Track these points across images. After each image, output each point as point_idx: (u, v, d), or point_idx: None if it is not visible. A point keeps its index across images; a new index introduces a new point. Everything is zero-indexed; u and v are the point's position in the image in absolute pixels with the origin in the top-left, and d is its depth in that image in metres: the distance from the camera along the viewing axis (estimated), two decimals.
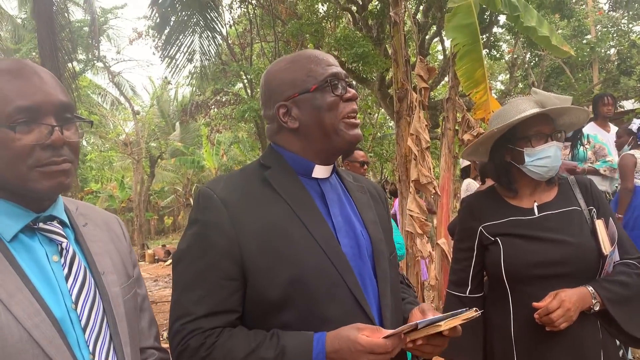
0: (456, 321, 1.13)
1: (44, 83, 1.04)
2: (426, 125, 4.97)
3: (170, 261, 16.26)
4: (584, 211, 1.83)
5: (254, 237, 1.21)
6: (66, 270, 1.04)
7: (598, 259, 1.76)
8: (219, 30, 7.57)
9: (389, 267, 1.36)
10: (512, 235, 1.82)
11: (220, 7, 7.39)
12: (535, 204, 1.86)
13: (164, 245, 18.49)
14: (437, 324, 1.12)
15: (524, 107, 1.82)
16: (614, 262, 1.79)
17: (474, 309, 1.15)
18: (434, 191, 4.93)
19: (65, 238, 1.07)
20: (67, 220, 1.12)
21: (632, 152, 4.43)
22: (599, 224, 1.78)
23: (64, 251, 1.06)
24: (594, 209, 1.84)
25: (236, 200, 1.24)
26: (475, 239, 1.90)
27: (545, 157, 1.79)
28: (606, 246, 1.75)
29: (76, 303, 1.03)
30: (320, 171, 1.34)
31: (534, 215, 1.84)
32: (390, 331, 1.15)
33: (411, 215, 4.86)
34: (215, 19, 7.36)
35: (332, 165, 1.38)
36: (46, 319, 0.97)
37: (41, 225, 1.05)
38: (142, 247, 18.44)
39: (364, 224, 1.36)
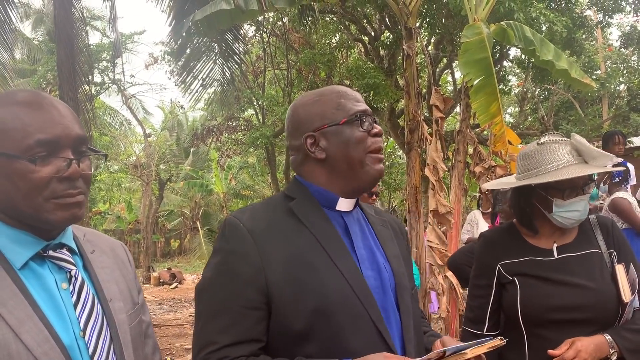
0: (482, 349, 1.15)
1: (63, 116, 1.07)
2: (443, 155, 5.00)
3: (175, 284, 16.18)
4: (604, 254, 1.79)
5: (279, 266, 1.21)
6: (75, 297, 1.06)
7: (617, 306, 1.71)
8: (238, 57, 7.66)
9: (411, 301, 1.36)
10: (530, 277, 1.78)
11: (241, 33, 7.48)
12: (555, 245, 1.82)
13: (169, 268, 18.40)
14: (463, 351, 1.13)
15: (562, 155, 1.75)
16: (634, 309, 1.75)
17: (499, 337, 1.18)
18: (453, 221, 4.91)
19: (74, 265, 1.09)
20: (75, 248, 1.14)
21: (620, 195, 4.45)
22: (620, 270, 1.74)
23: (73, 279, 1.07)
24: (615, 253, 1.79)
25: (262, 230, 1.25)
26: (494, 276, 1.86)
27: (574, 211, 1.75)
28: (626, 293, 1.70)
29: (84, 330, 1.04)
30: (343, 204, 1.35)
31: (553, 256, 1.80)
32: (422, 357, 1.15)
33: (430, 247, 4.80)
34: (233, 45, 7.45)
35: (356, 199, 1.39)
36: (55, 346, 0.98)
37: (51, 252, 1.07)
38: (148, 270, 18.36)
39: (386, 257, 1.37)
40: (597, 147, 5.09)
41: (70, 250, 1.12)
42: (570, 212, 1.75)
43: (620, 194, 4.46)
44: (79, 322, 1.04)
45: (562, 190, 1.75)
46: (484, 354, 1.18)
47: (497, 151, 4.91)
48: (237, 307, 1.20)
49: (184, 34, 5.80)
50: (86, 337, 1.04)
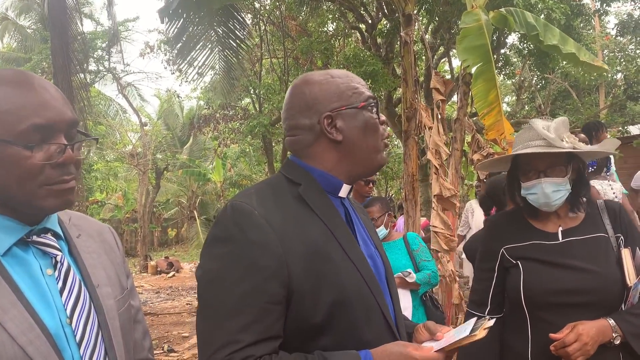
0: (484, 332, 1.19)
1: (55, 99, 1.03)
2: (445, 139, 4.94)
3: (173, 273, 16.20)
4: (611, 238, 1.78)
5: (299, 258, 1.14)
6: (60, 283, 1.03)
7: (622, 290, 1.70)
8: (236, 42, 7.52)
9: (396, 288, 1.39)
10: (533, 260, 1.79)
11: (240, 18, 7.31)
12: (560, 228, 1.82)
13: (166, 257, 18.42)
14: (472, 334, 1.17)
15: (525, 138, 1.82)
16: None
17: (487, 317, 1.24)
18: (458, 204, 4.86)
19: (60, 251, 1.05)
20: (60, 233, 1.10)
21: (591, 183, 4.41)
22: (625, 253, 1.73)
23: (58, 264, 1.04)
24: (622, 237, 1.79)
25: (278, 219, 1.17)
26: (497, 260, 1.88)
27: (532, 194, 1.78)
28: (631, 277, 1.69)
29: (71, 317, 1.01)
30: (345, 190, 1.32)
31: (558, 240, 1.80)
32: (435, 345, 1.18)
33: (435, 232, 4.73)
34: (232, 28, 7.32)
35: (351, 186, 1.36)
36: (40, 334, 0.95)
37: (35, 238, 1.03)
38: (145, 259, 18.38)
39: (374, 244, 1.38)
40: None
41: (55, 235, 1.08)
42: (530, 195, 1.79)
43: (594, 182, 4.43)
44: (65, 309, 1.01)
45: (522, 171, 1.82)
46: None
47: (493, 139, 4.88)
48: (261, 302, 1.11)
49: (171, 11, 5.67)
50: (73, 324, 1.01)
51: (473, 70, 4.68)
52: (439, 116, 4.98)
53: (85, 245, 1.15)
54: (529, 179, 1.79)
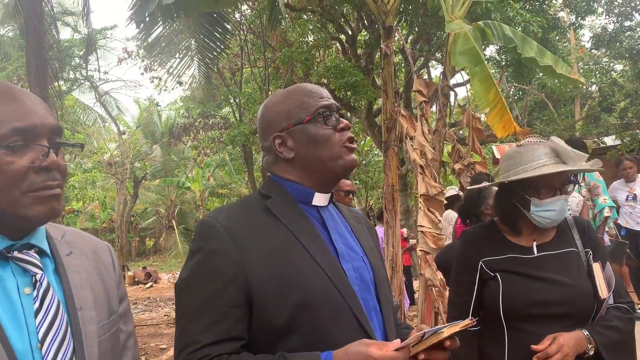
0: (455, 328, 1.17)
1: (36, 105, 1.01)
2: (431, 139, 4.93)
3: (150, 284, 15.97)
4: (581, 253, 1.86)
5: (259, 263, 1.22)
6: (37, 304, 0.96)
7: (594, 302, 1.78)
8: (217, 53, 7.45)
9: (389, 293, 1.42)
10: (511, 273, 1.84)
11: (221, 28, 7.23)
12: (535, 243, 1.88)
13: (144, 267, 18.18)
14: (440, 331, 1.16)
15: (539, 155, 1.82)
16: (607, 306, 1.81)
17: (470, 317, 1.22)
18: (445, 202, 4.82)
19: (41, 269, 1.00)
20: (47, 249, 1.05)
21: None
22: (596, 268, 1.81)
23: (38, 283, 0.98)
24: (590, 252, 1.87)
25: (239, 228, 1.26)
26: (476, 273, 1.91)
27: (550, 210, 1.80)
28: (603, 290, 1.77)
29: (42, 342, 0.94)
30: (319, 199, 1.38)
31: (533, 254, 1.86)
32: (397, 343, 1.15)
33: (423, 232, 4.66)
34: (210, 40, 7.26)
35: (330, 194, 1.42)
36: (5, 357, 0.90)
37: (16, 254, 0.98)
38: (123, 269, 18.11)
39: (363, 250, 1.41)
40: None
41: (40, 251, 1.03)
42: (546, 211, 1.81)
43: None
44: (38, 332, 0.95)
45: (539, 190, 1.81)
46: (459, 339, 1.21)
47: (475, 148, 4.90)
48: (219, 305, 1.20)
49: (147, 17, 5.54)
50: (43, 349, 0.94)
51: (467, 72, 4.73)
52: (423, 118, 4.98)
53: (75, 264, 1.09)
54: (546, 195, 1.80)
